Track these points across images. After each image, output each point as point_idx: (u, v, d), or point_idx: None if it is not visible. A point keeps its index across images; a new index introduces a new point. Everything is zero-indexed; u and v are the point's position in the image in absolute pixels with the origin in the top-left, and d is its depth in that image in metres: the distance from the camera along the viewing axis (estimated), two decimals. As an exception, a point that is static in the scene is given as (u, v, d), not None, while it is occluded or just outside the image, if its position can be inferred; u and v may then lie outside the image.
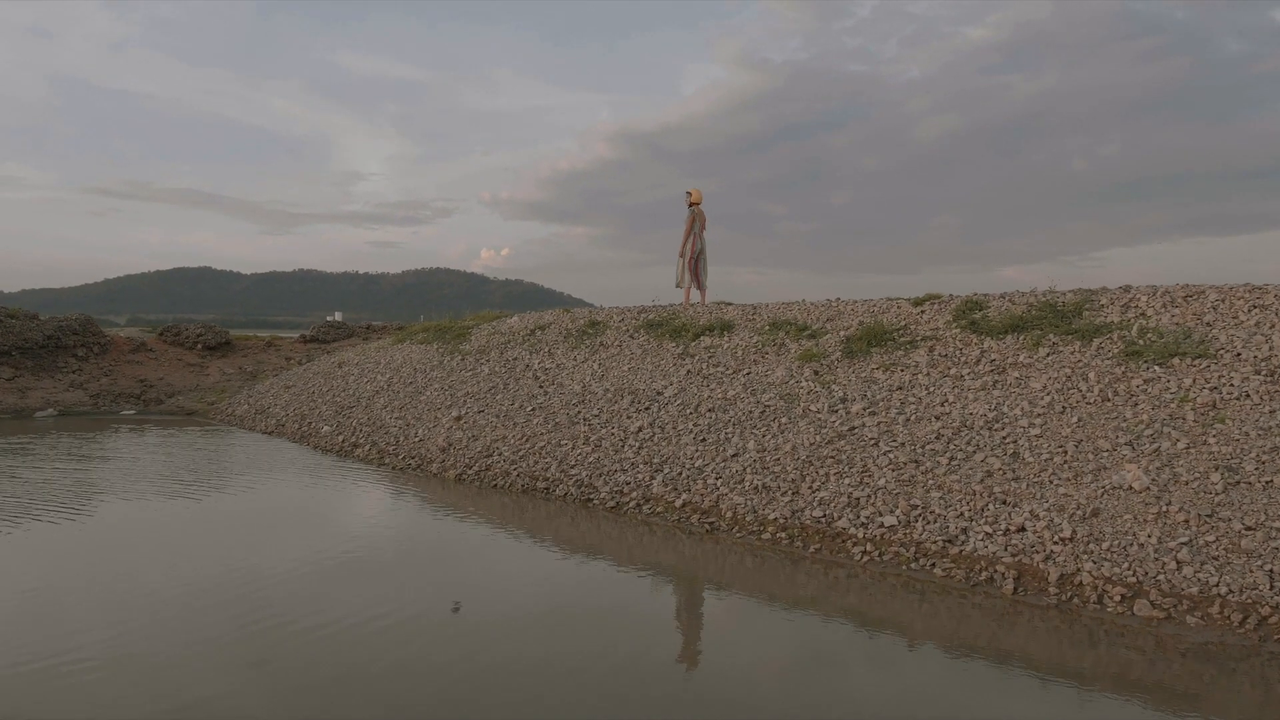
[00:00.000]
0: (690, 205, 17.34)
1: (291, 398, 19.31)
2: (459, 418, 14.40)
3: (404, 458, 13.81)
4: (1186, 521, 7.47)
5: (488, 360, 17.00)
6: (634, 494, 10.63)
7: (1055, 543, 7.71)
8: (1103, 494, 8.12)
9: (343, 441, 15.36)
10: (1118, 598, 6.99)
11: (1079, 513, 7.94)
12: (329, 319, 35.79)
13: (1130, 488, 8.08)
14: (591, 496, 10.92)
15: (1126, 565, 7.24)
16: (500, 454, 12.77)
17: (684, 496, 10.21)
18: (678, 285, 17.39)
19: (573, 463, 11.82)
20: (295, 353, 26.87)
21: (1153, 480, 8.07)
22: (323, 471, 13.35)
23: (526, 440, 12.92)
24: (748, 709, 5.37)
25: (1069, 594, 7.21)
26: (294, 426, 17.30)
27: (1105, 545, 7.49)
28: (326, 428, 16.42)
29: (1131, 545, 7.41)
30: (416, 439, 14.34)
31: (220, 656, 5.98)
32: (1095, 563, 7.37)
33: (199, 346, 25.96)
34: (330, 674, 5.71)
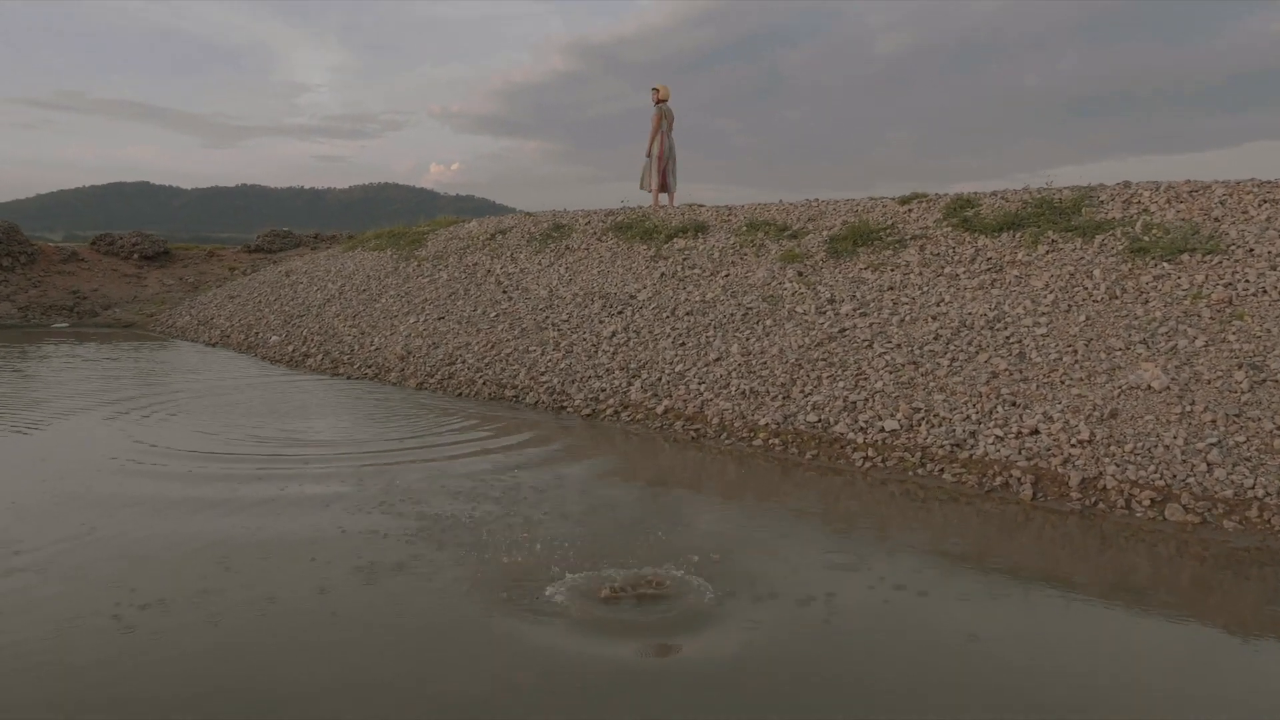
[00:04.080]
0: (657, 103, 16.33)
1: (236, 308, 18.25)
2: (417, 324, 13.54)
3: (359, 367, 12.96)
4: (1214, 422, 6.96)
5: (446, 266, 16.06)
6: (611, 401, 9.94)
7: (1073, 446, 7.18)
8: (1120, 394, 7.59)
9: (293, 351, 14.44)
10: (1147, 502, 6.49)
11: (1096, 414, 7.41)
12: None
13: (1149, 387, 7.56)
14: (565, 404, 10.22)
15: (1153, 468, 6.73)
16: (464, 361, 11.98)
17: (665, 403, 9.55)
18: (642, 188, 16.49)
19: (543, 369, 11.08)
20: (239, 263, 25.56)
21: (1172, 379, 7.55)
22: (274, 380, 12.47)
23: (492, 347, 12.13)
24: (747, 625, 4.79)
25: (1093, 499, 6.69)
26: (239, 337, 16.30)
27: (1128, 448, 6.97)
28: (275, 337, 15.46)
29: (1156, 447, 6.90)
30: (373, 347, 13.47)
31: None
32: (1119, 466, 6.85)
33: (135, 257, 24.54)
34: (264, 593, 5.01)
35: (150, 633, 4.55)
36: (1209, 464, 6.62)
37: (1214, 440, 6.77)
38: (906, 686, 4.17)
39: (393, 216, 24.39)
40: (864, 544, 6.01)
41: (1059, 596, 5.18)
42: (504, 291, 13.93)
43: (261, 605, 4.90)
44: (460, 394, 11.22)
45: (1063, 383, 7.96)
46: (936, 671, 4.31)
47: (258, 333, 16.10)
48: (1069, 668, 4.35)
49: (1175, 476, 6.61)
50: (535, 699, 4.00)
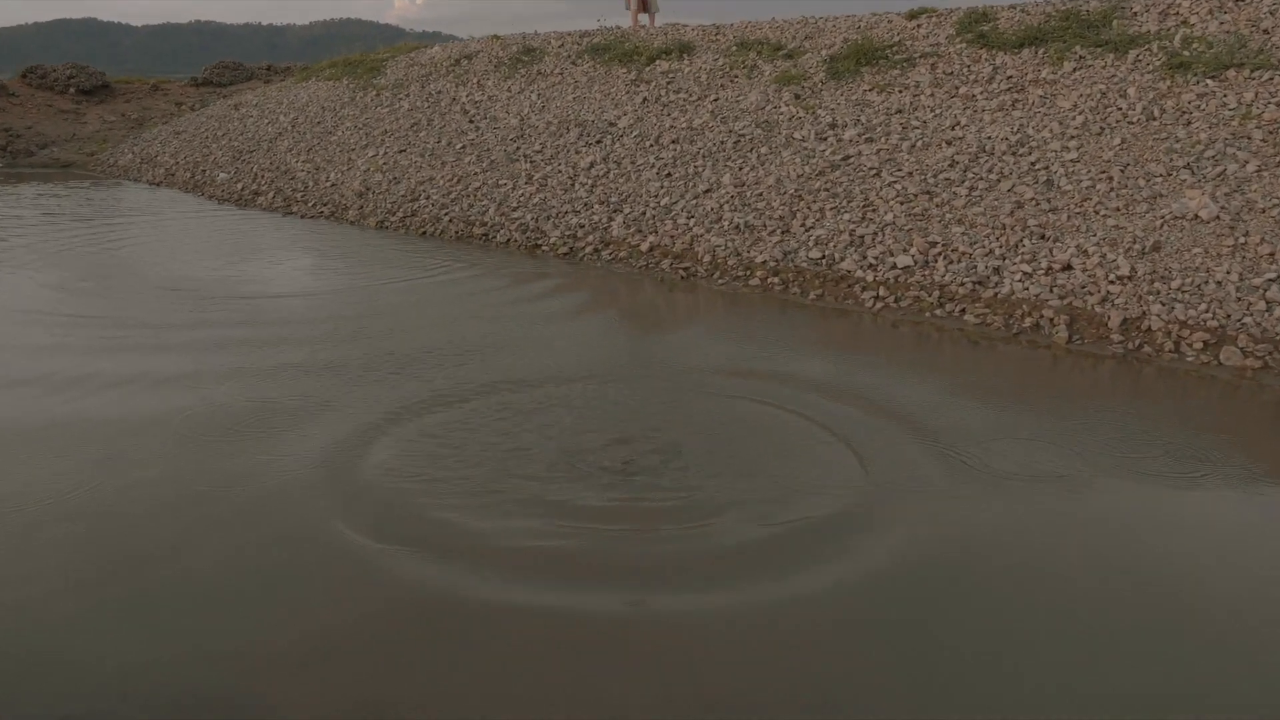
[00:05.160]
0: (639, -92, 14.70)
1: (182, 144, 16.88)
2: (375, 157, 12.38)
3: (314, 205, 11.88)
4: (1272, 255, 6.18)
5: (407, 95, 14.71)
6: (590, 238, 9.02)
7: (1112, 283, 6.39)
8: (1162, 225, 6.76)
9: (242, 189, 13.28)
10: (1199, 345, 5.76)
11: (1136, 247, 6.60)
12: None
13: (1195, 217, 6.73)
14: (540, 242, 9.29)
15: (1204, 307, 5.97)
16: (428, 197, 10.93)
17: (650, 239, 8.64)
18: (627, 7, 15.09)
19: (514, 205, 10.08)
20: (186, 97, 23.81)
21: (1222, 208, 6.71)
22: (222, 220, 11.42)
23: (458, 181, 11.06)
24: (748, 467, 4.09)
25: (1136, 341, 5.96)
26: (185, 175, 15.06)
27: (1175, 285, 6.19)
28: (223, 175, 14.24)
29: (1207, 284, 6.13)
30: (328, 184, 12.35)
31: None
32: (1164, 305, 6.09)
33: (71, 91, 22.73)
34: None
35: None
36: (1268, 302, 5.86)
37: (1273, 276, 6.00)
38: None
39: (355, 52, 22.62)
40: (877, 382, 5.28)
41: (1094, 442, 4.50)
42: (470, 121, 12.72)
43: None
44: (424, 233, 10.24)
45: (1097, 213, 7.11)
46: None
47: (205, 170, 14.86)
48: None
49: (1230, 316, 5.86)
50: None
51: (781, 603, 3.34)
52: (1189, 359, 5.72)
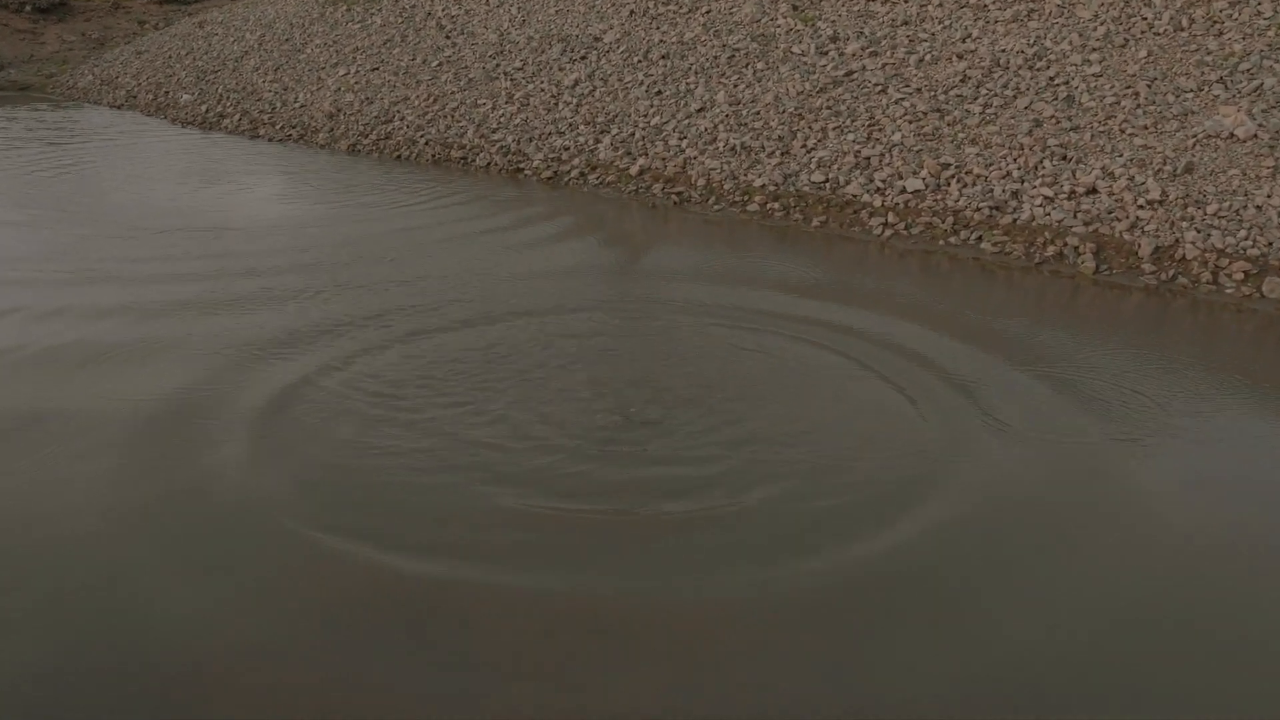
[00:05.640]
0: None
1: (144, 65, 16.00)
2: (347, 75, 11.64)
3: (282, 128, 11.19)
4: (1317, 175, 5.69)
5: (379, 10, 13.87)
6: (575, 160, 8.43)
7: (1141, 207, 5.91)
8: (1195, 144, 6.26)
9: (206, 111, 12.54)
10: (1239, 276, 5.30)
11: (1167, 169, 6.09)
12: None
13: (1231, 136, 6.22)
14: (522, 165, 8.70)
15: (1244, 234, 5.50)
16: (402, 119, 10.27)
17: (640, 162, 8.06)
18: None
19: (494, 126, 9.45)
20: (150, 15, 22.68)
21: (1260, 126, 6.20)
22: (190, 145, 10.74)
23: (434, 101, 10.39)
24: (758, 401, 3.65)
25: (1170, 271, 5.50)
26: (148, 98, 14.25)
27: (1210, 210, 5.71)
28: (186, 96, 13.46)
29: (1246, 209, 5.65)
30: (297, 105, 11.64)
31: None
32: (1200, 232, 5.62)
33: (28, 9, 21.59)
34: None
35: None
36: (1314, 227, 5.41)
37: (1318, 198, 5.53)
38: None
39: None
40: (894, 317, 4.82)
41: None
42: (447, 37, 11.96)
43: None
44: (399, 156, 9.61)
45: (1123, 131, 6.58)
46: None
47: (168, 92, 14.05)
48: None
49: (1272, 245, 5.40)
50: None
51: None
52: (1228, 291, 5.27)
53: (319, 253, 6.24)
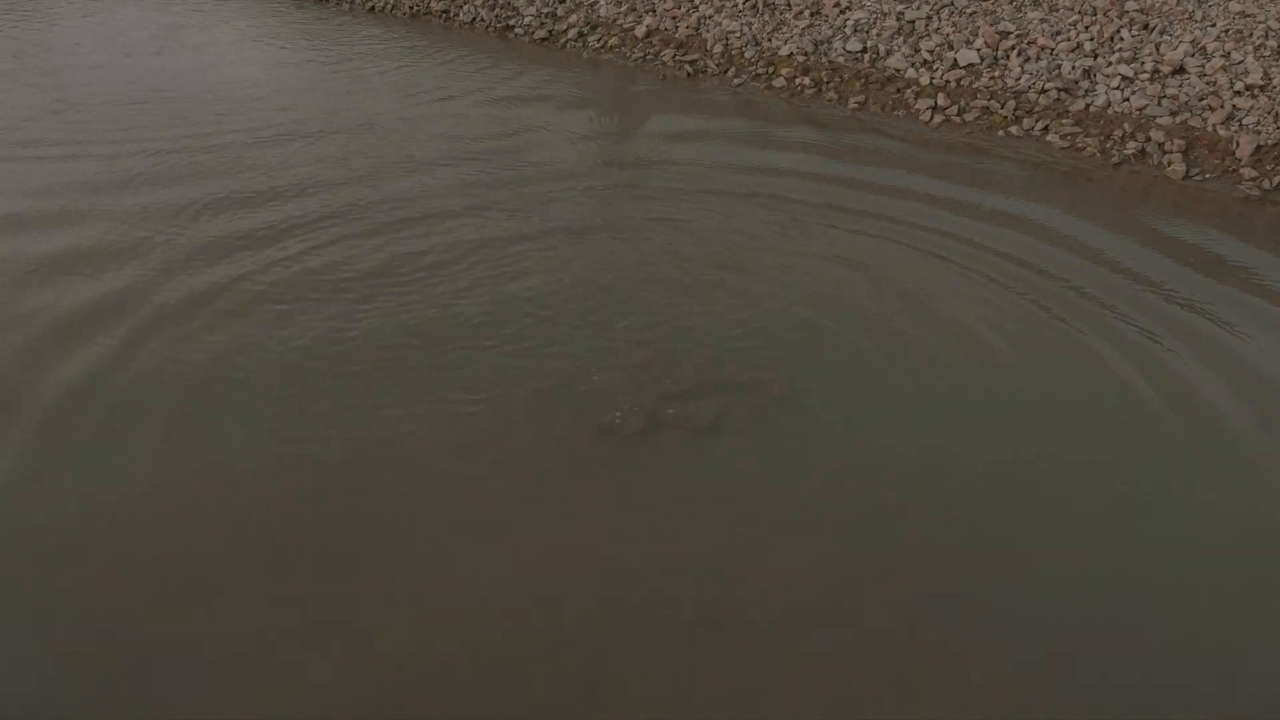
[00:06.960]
0: None
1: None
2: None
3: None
4: None
5: None
6: (572, 18, 7.40)
7: (1238, 94, 5.05)
8: (1303, 12, 5.32)
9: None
10: (1359, 185, 4.53)
11: (1271, 44, 5.19)
12: None
13: (1347, 1, 5.28)
14: (511, 22, 7.65)
15: (1364, 130, 4.68)
16: (375, -40, 9.07)
17: (647, 21, 7.05)
18: None
19: (479, -28, 8.31)
20: None
21: (1382, -12, 5.25)
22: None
23: (410, -61, 9.15)
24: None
25: (1276, 178, 4.71)
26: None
27: (1323, 97, 4.87)
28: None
29: (1366, 97, 4.81)
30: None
31: None
32: (1310, 126, 4.80)
33: None
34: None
35: None
36: None
37: None
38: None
39: None
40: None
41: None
42: None
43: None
44: (373, 8, 8.51)
45: (1216, -7, 5.62)
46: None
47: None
48: None
49: (1398, 144, 4.60)
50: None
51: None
52: (1345, 204, 4.51)
53: (269, 116, 5.41)
